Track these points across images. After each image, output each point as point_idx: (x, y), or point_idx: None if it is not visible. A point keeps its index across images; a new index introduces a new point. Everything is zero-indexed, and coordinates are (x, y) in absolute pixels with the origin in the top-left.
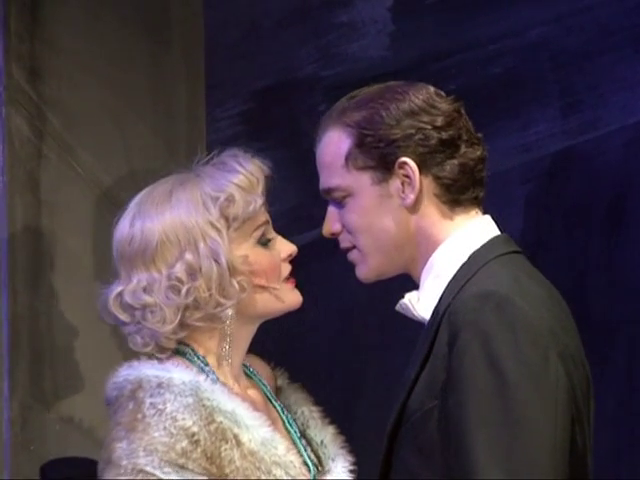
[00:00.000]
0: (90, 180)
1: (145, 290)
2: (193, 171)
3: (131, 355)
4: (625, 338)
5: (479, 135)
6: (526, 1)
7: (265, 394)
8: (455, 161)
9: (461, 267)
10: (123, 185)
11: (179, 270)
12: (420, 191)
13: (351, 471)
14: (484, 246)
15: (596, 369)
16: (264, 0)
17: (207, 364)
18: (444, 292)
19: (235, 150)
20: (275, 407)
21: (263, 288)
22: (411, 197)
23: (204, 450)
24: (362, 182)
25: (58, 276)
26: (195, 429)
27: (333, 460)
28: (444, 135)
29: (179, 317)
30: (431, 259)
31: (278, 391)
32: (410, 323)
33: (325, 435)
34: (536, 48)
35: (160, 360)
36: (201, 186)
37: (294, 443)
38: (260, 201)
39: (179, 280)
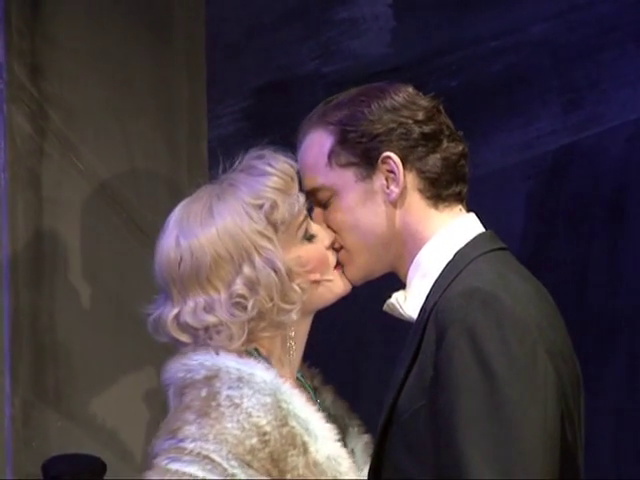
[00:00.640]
0: (91, 177)
1: (205, 310)
2: (224, 181)
3: (131, 353)
4: (627, 335)
5: (459, 133)
6: None
7: (312, 398)
8: (437, 155)
9: (447, 265)
10: (124, 182)
11: (239, 286)
12: (404, 186)
13: None
14: (469, 244)
15: (597, 367)
16: None
17: (270, 365)
18: (430, 291)
19: (259, 150)
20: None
21: (317, 282)
22: (396, 192)
23: (271, 451)
24: (346, 179)
25: (59, 273)
26: (268, 429)
27: (361, 470)
28: (425, 129)
29: (246, 332)
30: (417, 258)
31: (314, 392)
32: (407, 322)
33: (357, 443)
34: (537, 45)
35: (239, 354)
36: (239, 196)
37: None
38: (302, 200)
39: (242, 296)
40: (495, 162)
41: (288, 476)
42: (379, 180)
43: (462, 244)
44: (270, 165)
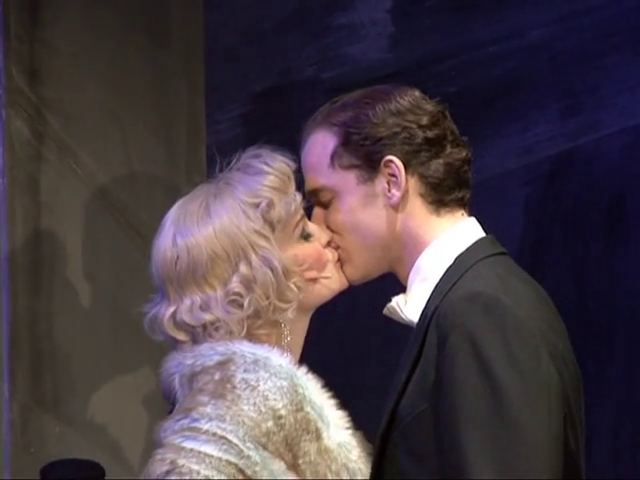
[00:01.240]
0: (90, 182)
1: (202, 308)
2: (220, 180)
3: (130, 358)
4: (625, 340)
5: (464, 138)
6: (526, 3)
7: None
8: (440, 160)
9: (447, 270)
10: (123, 187)
11: (236, 284)
12: (406, 190)
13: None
14: (470, 248)
15: (596, 370)
16: (264, 2)
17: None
18: (431, 295)
19: (256, 149)
20: None
21: (314, 280)
22: (397, 195)
23: (286, 435)
24: (348, 181)
25: (58, 278)
26: (283, 412)
27: None
28: (429, 134)
29: (245, 328)
30: (418, 262)
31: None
32: (406, 327)
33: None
34: (536, 50)
35: (251, 340)
36: (235, 194)
37: None
38: (299, 199)
39: (238, 294)
40: (493, 167)
41: (300, 461)
42: (381, 183)
43: (463, 248)
44: (267, 164)
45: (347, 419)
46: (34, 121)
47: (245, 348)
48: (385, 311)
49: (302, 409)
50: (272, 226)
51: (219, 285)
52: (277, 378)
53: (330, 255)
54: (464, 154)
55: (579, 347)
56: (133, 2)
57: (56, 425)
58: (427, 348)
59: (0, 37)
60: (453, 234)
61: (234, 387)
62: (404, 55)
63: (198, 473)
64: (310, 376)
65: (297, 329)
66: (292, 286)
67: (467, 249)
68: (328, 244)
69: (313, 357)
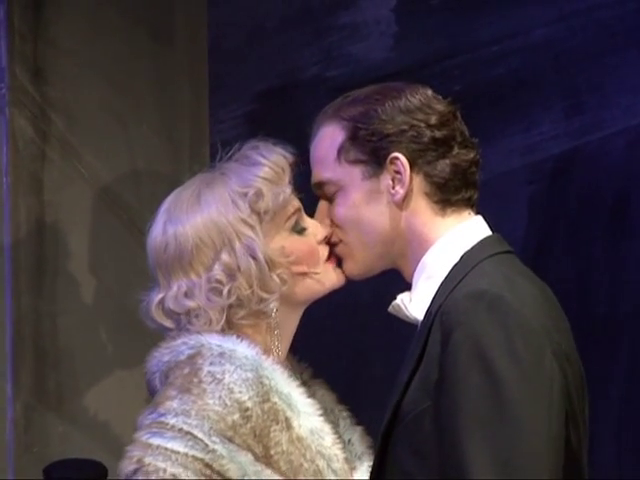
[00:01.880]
0: (93, 181)
1: (186, 295)
2: (217, 169)
3: (133, 357)
4: (628, 338)
5: (474, 140)
6: (530, 2)
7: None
8: (447, 161)
9: (453, 268)
10: (126, 186)
11: (217, 272)
12: (410, 188)
13: None
14: (476, 246)
15: (599, 368)
16: (267, 2)
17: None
18: (436, 293)
19: (256, 142)
20: None
21: (304, 275)
22: (401, 193)
23: (253, 427)
24: (353, 176)
25: (61, 277)
26: (249, 404)
27: (359, 459)
28: (437, 134)
29: (224, 317)
30: (423, 260)
31: (303, 385)
32: (411, 323)
33: (353, 434)
34: (540, 49)
35: (222, 333)
36: (228, 184)
37: None
38: (288, 191)
39: (219, 282)
40: (497, 166)
41: (272, 452)
42: (385, 180)
43: (468, 247)
44: (263, 156)
45: (317, 406)
46: (38, 120)
47: (213, 341)
48: (390, 309)
49: (269, 400)
50: (259, 216)
51: (204, 272)
52: (242, 370)
53: (324, 252)
54: (472, 155)
55: (581, 346)
56: (137, 1)
57: (59, 424)
58: (431, 345)
59: (4, 36)
60: (459, 232)
61: (200, 381)
62: (408, 54)
63: (165, 471)
64: (277, 366)
65: (287, 323)
66: (275, 277)
67: (473, 247)
68: (326, 242)
69: (316, 355)
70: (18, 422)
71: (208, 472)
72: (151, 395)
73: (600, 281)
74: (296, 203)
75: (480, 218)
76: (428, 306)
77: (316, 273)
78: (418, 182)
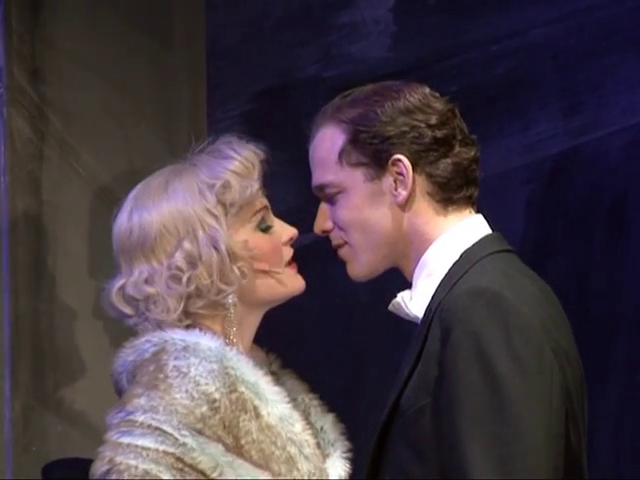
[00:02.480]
0: (91, 181)
1: (147, 281)
2: (188, 160)
3: None
4: (626, 339)
5: (473, 137)
6: (528, 2)
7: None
8: (449, 160)
9: (453, 265)
10: (124, 186)
11: (179, 259)
12: (413, 189)
13: (348, 457)
14: (476, 244)
15: (597, 369)
16: (266, 1)
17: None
18: (436, 290)
19: (229, 137)
20: None
21: (265, 273)
22: (403, 194)
23: (222, 418)
24: (355, 178)
25: (59, 277)
26: (217, 395)
27: (332, 445)
28: (438, 134)
29: (182, 305)
30: (423, 258)
31: (273, 377)
32: (410, 323)
33: (325, 422)
34: (538, 49)
35: (185, 328)
36: (197, 174)
37: None
38: (256, 186)
39: (179, 269)
40: (495, 166)
41: (243, 441)
42: (387, 181)
43: (469, 244)
44: (234, 150)
45: (285, 394)
46: (36, 120)
47: (176, 335)
48: (390, 307)
49: (235, 390)
50: (225, 208)
51: (165, 259)
52: (207, 362)
53: (288, 254)
54: (472, 153)
55: (580, 345)
56: (135, 1)
57: (58, 424)
58: (430, 342)
59: (1, 36)
60: (459, 230)
61: (166, 376)
62: (406, 54)
63: (136, 468)
64: (242, 356)
65: (246, 322)
66: (236, 270)
67: (473, 245)
68: (289, 242)
69: (316, 355)
70: (17, 422)
71: (180, 466)
72: (119, 396)
73: (598, 280)
74: (264, 200)
75: (481, 217)
76: (428, 303)
77: (277, 273)
78: (420, 182)
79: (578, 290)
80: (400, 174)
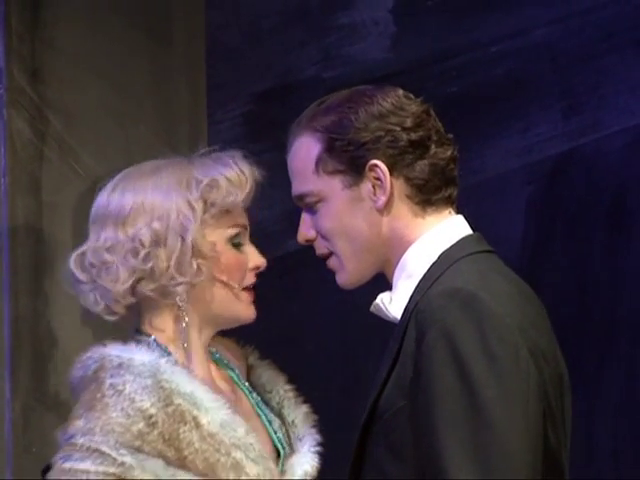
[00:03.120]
0: (91, 181)
1: (108, 249)
2: (187, 158)
3: None
4: (626, 340)
5: (450, 136)
6: (527, 3)
7: (232, 377)
8: (425, 161)
9: (431, 266)
10: None
11: (144, 234)
12: (391, 193)
13: (317, 452)
14: (454, 245)
15: (596, 371)
16: (265, 2)
17: (168, 352)
18: (414, 291)
19: (235, 151)
20: (243, 390)
21: (223, 284)
22: (382, 199)
23: (161, 432)
24: (333, 186)
25: (60, 278)
26: (153, 411)
27: (300, 440)
28: (413, 136)
29: (132, 280)
30: (402, 259)
31: (250, 369)
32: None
33: (297, 414)
34: (537, 50)
35: (124, 342)
36: (190, 170)
37: (264, 425)
38: (241, 197)
39: (141, 243)
40: (494, 167)
41: (185, 452)
42: (366, 187)
43: (447, 245)
44: (234, 160)
45: (224, 400)
46: (36, 121)
47: (113, 352)
48: (372, 308)
49: (172, 402)
50: (206, 205)
51: (132, 233)
52: (141, 378)
53: (249, 280)
54: (449, 153)
55: (578, 347)
56: (135, 2)
57: (58, 425)
58: (407, 343)
59: (1, 37)
60: (438, 231)
61: (103, 395)
62: (406, 55)
63: None
64: (176, 367)
65: (198, 334)
66: (194, 264)
67: (451, 246)
68: (255, 270)
69: (316, 356)
70: (17, 422)
71: None
72: None
73: (598, 282)
74: (245, 219)
75: (461, 217)
76: (406, 304)
77: (234, 288)
78: (399, 186)
79: (578, 291)
80: (378, 179)
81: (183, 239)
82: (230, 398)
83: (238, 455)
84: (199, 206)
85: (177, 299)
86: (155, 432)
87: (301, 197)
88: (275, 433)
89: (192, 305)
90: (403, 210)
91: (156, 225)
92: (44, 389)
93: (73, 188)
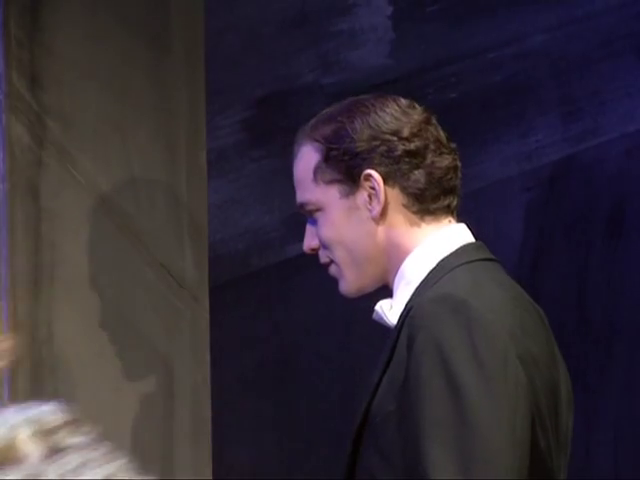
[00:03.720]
0: (90, 187)
1: None
2: None
3: (130, 364)
4: (625, 346)
5: (452, 145)
6: (526, 9)
7: None
8: (421, 171)
9: (429, 274)
10: (123, 192)
11: None
12: (387, 202)
13: None
14: (453, 253)
15: (595, 375)
16: (264, 8)
17: None
18: (410, 298)
19: None
20: None
21: None
22: (377, 209)
23: None
24: (330, 196)
25: (58, 284)
26: None
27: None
28: (410, 146)
29: None
30: (401, 268)
31: None
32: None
33: None
34: (536, 56)
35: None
36: None
37: None
38: None
39: None
40: (494, 173)
41: None
42: (362, 196)
43: (446, 253)
44: None
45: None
46: (34, 127)
47: None
48: (374, 316)
49: None
50: None
51: None
52: None
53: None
54: (447, 162)
55: (578, 353)
56: (134, 8)
57: None
58: (398, 348)
59: (0, 42)
60: (437, 240)
61: None
62: (404, 61)
63: None
64: None
65: None
66: None
67: (450, 254)
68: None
69: (316, 361)
70: None
71: None
72: None
73: (597, 288)
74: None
75: (463, 226)
76: (402, 310)
77: None
78: (395, 195)
79: (577, 296)
80: (373, 188)
81: None
82: None
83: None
84: None
85: None
86: None
87: (302, 206)
88: None
89: None
90: (400, 219)
91: None
92: (42, 395)
93: (72, 194)
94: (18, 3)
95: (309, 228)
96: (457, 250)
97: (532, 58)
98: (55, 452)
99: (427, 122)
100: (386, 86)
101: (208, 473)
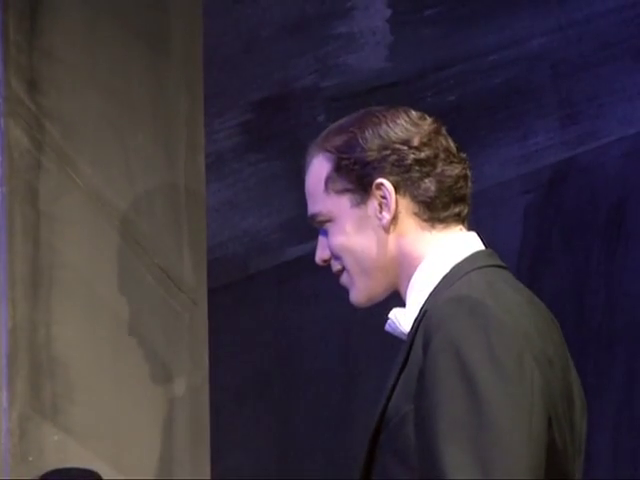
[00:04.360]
0: (89, 191)
1: None
2: None
3: (129, 367)
4: (624, 348)
5: (462, 155)
6: (525, 12)
7: None
8: (431, 179)
9: (442, 278)
10: (122, 196)
11: None
12: (397, 211)
13: None
14: (466, 259)
15: (595, 380)
16: (263, 11)
17: None
18: (424, 303)
19: None
20: None
21: None
22: (387, 218)
23: None
24: (341, 205)
25: (57, 288)
26: None
27: None
28: (420, 155)
29: None
30: (414, 276)
31: None
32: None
33: None
34: (535, 59)
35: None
36: None
37: None
38: None
39: None
40: (493, 176)
41: None
42: (372, 205)
43: (459, 260)
44: None
45: None
46: (33, 130)
47: None
48: (387, 327)
49: None
50: None
51: None
52: None
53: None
54: (457, 170)
55: (578, 356)
56: (133, 11)
57: (55, 434)
58: (414, 350)
59: None
60: (449, 246)
61: None
62: (403, 64)
63: None
64: None
65: None
66: None
67: (463, 260)
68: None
69: (315, 364)
70: (13, 431)
71: None
72: None
73: (596, 291)
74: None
75: (474, 234)
76: (416, 315)
77: None
78: (405, 204)
79: (576, 299)
80: (384, 197)
81: None
82: None
83: None
84: None
85: None
86: None
87: (313, 217)
88: None
89: None
90: (410, 227)
91: None
92: (41, 398)
93: (71, 197)
94: (17, 7)
95: (321, 240)
96: (469, 256)
97: (531, 61)
98: None
99: (437, 132)
100: (385, 89)
101: (207, 476)
